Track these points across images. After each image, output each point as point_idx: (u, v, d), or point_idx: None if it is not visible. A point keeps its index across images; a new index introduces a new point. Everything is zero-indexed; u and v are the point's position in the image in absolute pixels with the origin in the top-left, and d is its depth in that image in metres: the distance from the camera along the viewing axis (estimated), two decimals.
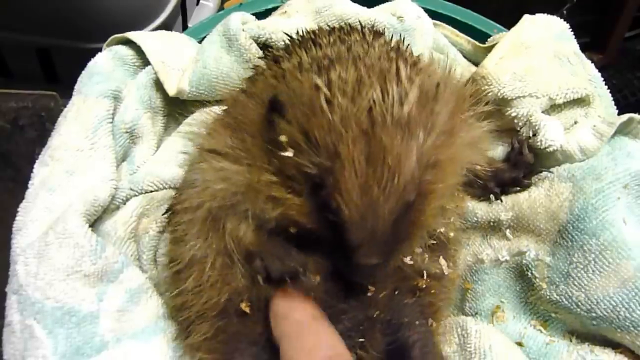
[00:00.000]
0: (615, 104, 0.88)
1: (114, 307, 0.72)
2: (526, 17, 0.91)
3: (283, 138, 0.57)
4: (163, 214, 0.81)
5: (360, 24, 0.74)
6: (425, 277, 0.71)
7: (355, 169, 0.53)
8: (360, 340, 0.67)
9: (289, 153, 0.57)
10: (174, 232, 0.72)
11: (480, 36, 1.03)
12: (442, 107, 0.58)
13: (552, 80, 0.83)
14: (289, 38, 0.77)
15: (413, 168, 0.55)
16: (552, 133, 0.79)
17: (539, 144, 0.79)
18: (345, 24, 0.75)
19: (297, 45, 0.71)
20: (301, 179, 0.58)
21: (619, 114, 0.88)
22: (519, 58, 0.85)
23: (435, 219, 0.69)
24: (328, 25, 0.75)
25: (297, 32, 0.77)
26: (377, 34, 0.71)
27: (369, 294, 0.67)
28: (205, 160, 0.67)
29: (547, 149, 0.79)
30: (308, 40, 0.69)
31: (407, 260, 0.69)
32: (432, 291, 0.72)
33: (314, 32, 0.73)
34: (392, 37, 0.75)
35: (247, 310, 0.66)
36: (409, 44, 0.75)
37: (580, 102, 0.84)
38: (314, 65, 0.60)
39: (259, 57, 0.91)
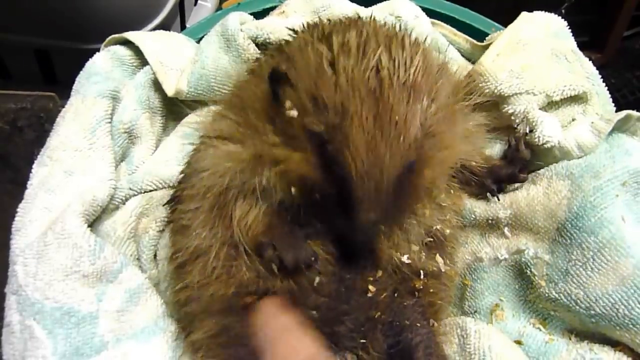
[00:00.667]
0: (614, 103, 0.88)
1: (113, 308, 0.72)
2: (524, 15, 0.91)
3: (288, 104, 0.59)
4: (165, 204, 0.81)
5: (358, 15, 0.75)
6: (422, 277, 0.71)
7: (363, 125, 0.55)
8: (362, 341, 0.68)
9: (294, 113, 0.58)
10: (179, 220, 0.72)
11: (479, 35, 1.03)
12: (444, 82, 0.61)
13: (549, 77, 0.83)
14: (293, 31, 0.77)
15: (417, 130, 0.57)
16: (549, 129, 0.79)
17: (536, 140, 0.79)
18: (345, 17, 0.76)
19: (300, 32, 0.72)
20: (305, 137, 0.59)
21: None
22: (516, 55, 0.85)
23: (431, 190, 0.71)
24: (329, 20, 0.75)
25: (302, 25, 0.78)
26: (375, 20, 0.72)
27: (370, 295, 0.68)
28: (212, 146, 0.68)
29: (545, 145, 0.79)
30: (312, 26, 0.70)
31: (405, 259, 0.69)
32: (431, 290, 0.73)
33: (315, 22, 0.74)
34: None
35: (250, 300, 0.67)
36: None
37: (577, 99, 0.84)
38: (315, 36, 0.62)
39: (261, 52, 0.91)
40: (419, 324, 0.70)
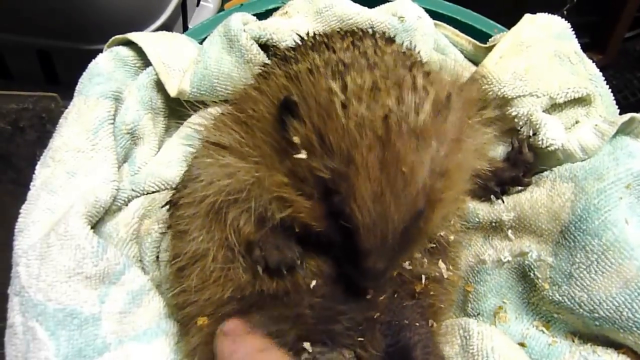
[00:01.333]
0: (616, 104, 0.88)
1: (115, 309, 0.72)
2: (526, 17, 0.91)
3: (296, 139, 0.58)
4: (163, 206, 0.81)
5: (373, 29, 0.74)
6: (423, 280, 0.71)
7: (369, 175, 0.54)
8: (360, 339, 0.67)
9: (303, 155, 0.57)
10: (177, 226, 0.72)
11: (481, 36, 1.03)
12: (453, 116, 0.59)
13: (553, 79, 0.83)
14: (300, 39, 0.76)
15: (426, 177, 0.56)
16: (552, 132, 0.79)
17: (540, 143, 0.79)
18: (357, 29, 0.75)
19: (309, 47, 0.70)
20: (313, 182, 0.58)
21: (619, 114, 0.88)
22: (519, 57, 0.85)
23: (440, 225, 0.70)
24: (339, 30, 0.74)
25: (308, 34, 0.77)
26: (389, 40, 0.71)
27: (368, 297, 0.67)
28: (209, 155, 0.66)
29: (548, 148, 0.79)
30: (321, 43, 0.69)
31: (406, 265, 0.69)
32: (432, 293, 0.73)
33: (326, 35, 0.73)
34: (402, 43, 0.75)
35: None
36: (419, 51, 0.75)
37: (581, 101, 0.84)
38: (328, 68, 0.60)
39: (268, 56, 0.90)
40: (417, 324, 0.70)
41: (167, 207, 0.81)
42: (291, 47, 0.75)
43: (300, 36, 0.77)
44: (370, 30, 0.74)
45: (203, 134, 0.72)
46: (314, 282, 0.66)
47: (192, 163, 0.73)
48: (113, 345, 0.70)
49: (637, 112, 0.79)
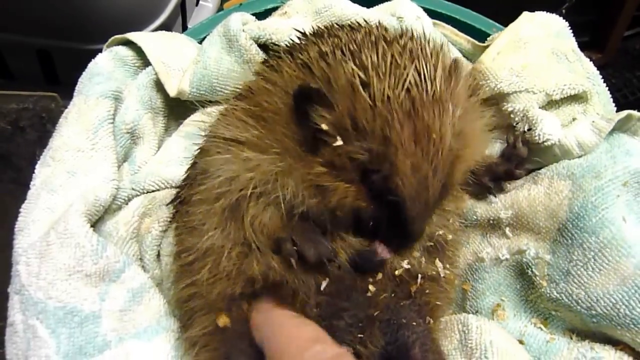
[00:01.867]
0: (615, 103, 0.88)
1: (116, 307, 0.72)
2: (525, 15, 0.91)
3: (325, 127, 0.59)
4: (169, 203, 0.81)
5: (365, 20, 0.74)
6: (419, 280, 0.71)
7: (407, 150, 0.57)
8: (360, 335, 0.68)
9: (339, 142, 0.59)
10: (188, 222, 0.71)
11: (480, 35, 1.03)
12: (459, 81, 0.62)
13: (550, 76, 0.83)
14: (301, 33, 0.76)
15: (450, 140, 0.59)
16: (549, 127, 0.79)
17: (536, 138, 0.79)
18: (353, 21, 0.75)
19: (311, 36, 0.71)
20: (351, 165, 0.60)
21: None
22: (517, 54, 0.85)
23: (463, 178, 0.73)
24: (337, 24, 0.74)
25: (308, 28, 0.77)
26: (382, 26, 0.71)
27: (369, 294, 0.68)
28: (226, 150, 0.66)
29: (545, 143, 0.79)
30: (323, 32, 0.70)
31: (405, 264, 0.70)
32: (427, 291, 0.73)
33: (326, 27, 0.73)
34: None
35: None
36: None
37: (578, 98, 0.84)
38: (338, 51, 0.61)
39: (267, 56, 0.90)
40: (415, 323, 0.70)
41: (172, 204, 0.81)
42: (294, 42, 0.74)
43: (300, 32, 0.77)
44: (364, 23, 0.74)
45: (213, 131, 0.71)
46: (324, 283, 0.67)
47: (204, 160, 0.71)
48: (113, 342, 0.70)
49: (636, 109, 0.79)
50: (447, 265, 0.74)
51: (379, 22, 0.72)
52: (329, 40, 0.66)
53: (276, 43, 0.93)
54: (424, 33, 0.69)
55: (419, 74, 0.57)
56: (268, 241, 0.66)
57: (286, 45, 0.74)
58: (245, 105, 0.68)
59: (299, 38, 0.75)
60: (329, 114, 0.59)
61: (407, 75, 0.56)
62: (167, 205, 0.82)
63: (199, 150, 0.77)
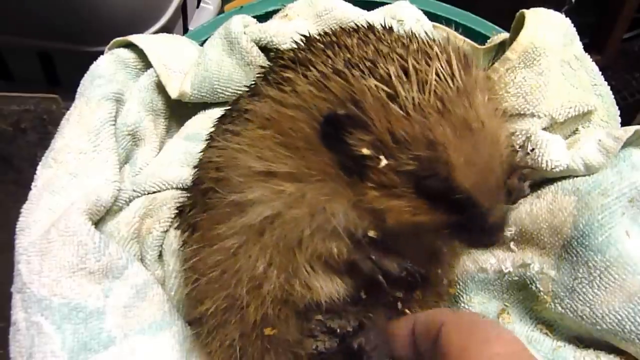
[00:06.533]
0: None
1: (120, 303, 0.72)
2: (531, 16, 0.84)
3: (366, 151, 0.57)
4: (185, 208, 0.80)
5: (369, 22, 0.73)
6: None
7: (455, 146, 0.56)
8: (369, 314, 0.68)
9: (384, 162, 0.57)
10: (210, 239, 0.67)
11: (479, 38, 1.03)
12: (473, 67, 0.62)
13: (556, 96, 0.80)
14: (305, 38, 0.74)
15: (490, 121, 0.58)
16: (556, 154, 0.75)
17: (544, 165, 0.75)
18: (360, 25, 0.74)
19: (320, 48, 0.68)
20: (401, 180, 0.58)
21: (618, 115, 0.88)
22: (530, 70, 0.81)
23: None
24: (341, 27, 0.74)
25: (311, 35, 0.75)
26: (389, 30, 0.71)
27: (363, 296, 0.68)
28: (260, 186, 0.62)
29: (554, 170, 0.75)
30: (332, 43, 0.67)
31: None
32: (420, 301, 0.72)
33: (333, 33, 0.72)
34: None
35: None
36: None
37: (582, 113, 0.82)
38: (357, 66, 0.59)
39: (268, 58, 0.90)
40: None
41: (190, 208, 0.78)
42: (300, 49, 0.72)
43: (305, 36, 0.75)
44: (368, 24, 0.73)
45: (239, 163, 0.64)
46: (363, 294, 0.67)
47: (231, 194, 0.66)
48: (118, 338, 0.70)
49: (636, 112, 0.77)
50: (446, 275, 0.75)
51: (385, 26, 0.71)
52: (339, 52, 0.64)
53: (277, 46, 0.93)
54: (426, 34, 0.69)
55: (438, 75, 0.57)
56: (341, 266, 0.65)
57: (290, 54, 0.71)
58: (273, 134, 0.63)
59: (303, 48, 0.72)
60: (365, 135, 0.57)
61: (429, 77, 0.56)
62: (177, 208, 0.81)
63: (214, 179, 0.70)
